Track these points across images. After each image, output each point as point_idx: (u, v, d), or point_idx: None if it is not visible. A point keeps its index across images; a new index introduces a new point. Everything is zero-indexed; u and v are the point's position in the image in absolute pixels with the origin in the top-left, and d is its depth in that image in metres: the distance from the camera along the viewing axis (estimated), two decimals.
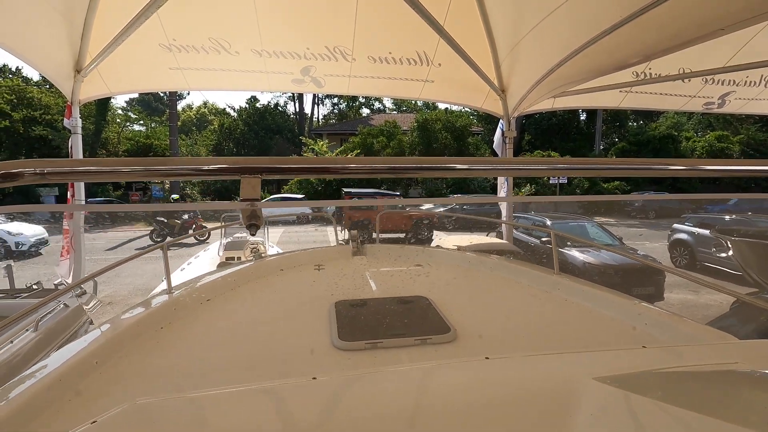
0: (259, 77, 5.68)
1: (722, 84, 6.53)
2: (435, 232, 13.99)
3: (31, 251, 11.64)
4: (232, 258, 4.89)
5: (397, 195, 21.98)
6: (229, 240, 5.47)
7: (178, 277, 5.28)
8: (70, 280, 4.69)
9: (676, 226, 10.43)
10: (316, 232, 17.79)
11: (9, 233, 11.27)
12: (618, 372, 0.70)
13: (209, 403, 0.64)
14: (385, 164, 0.70)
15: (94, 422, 0.56)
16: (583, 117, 33.26)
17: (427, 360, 1.03)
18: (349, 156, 24.23)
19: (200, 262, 5.47)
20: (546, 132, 30.35)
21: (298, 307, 1.47)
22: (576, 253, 7.11)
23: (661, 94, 6.71)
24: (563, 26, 4.24)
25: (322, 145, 25.57)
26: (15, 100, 27.67)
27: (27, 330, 1.92)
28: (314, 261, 2.08)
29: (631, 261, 6.43)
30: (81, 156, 5.42)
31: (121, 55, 4.83)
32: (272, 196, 22.57)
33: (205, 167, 0.63)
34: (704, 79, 6.36)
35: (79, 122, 5.38)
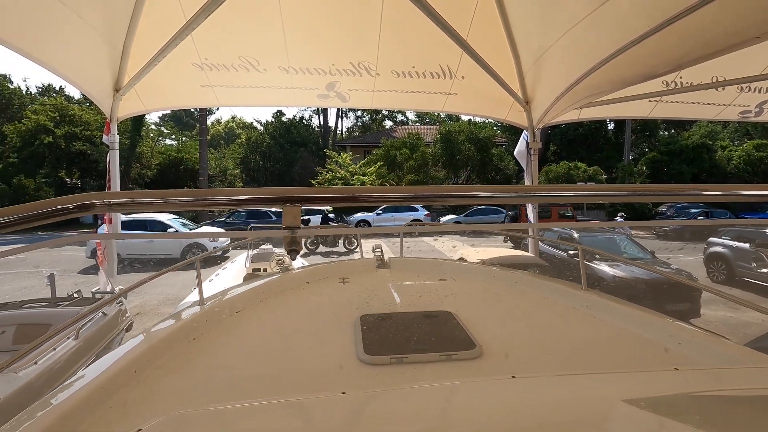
0: (285, 93, 5.84)
1: (759, 92, 6.28)
2: (459, 244, 13.84)
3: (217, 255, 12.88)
4: (259, 270, 4.99)
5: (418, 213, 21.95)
6: (255, 252, 5.58)
7: (207, 288, 5.43)
8: (106, 289, 4.90)
9: (712, 239, 9.98)
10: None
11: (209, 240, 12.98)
12: (649, 395, 0.69)
13: (242, 416, 0.66)
14: (410, 192, 0.73)
15: (139, 430, 0.59)
16: (611, 126, 32.49)
17: (452, 376, 1.03)
18: (372, 168, 24.44)
19: (228, 274, 5.60)
20: (572, 142, 29.77)
21: (324, 320, 1.49)
22: (605, 267, 6.90)
23: (693, 103, 6.51)
24: (589, 37, 4.20)
25: (346, 157, 25.87)
26: (58, 117, 29.35)
27: (69, 338, 2.02)
28: (339, 274, 2.11)
29: (664, 276, 6.18)
30: (117, 169, 5.67)
31: (156, 74, 5.08)
32: None
33: (251, 197, 0.68)
34: (740, 87, 6.14)
35: (117, 138, 5.66)
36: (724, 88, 6.16)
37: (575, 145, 30.26)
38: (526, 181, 6.93)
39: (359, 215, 21.57)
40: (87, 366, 1.12)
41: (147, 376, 1.06)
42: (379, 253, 2.40)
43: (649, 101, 6.45)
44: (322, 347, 1.25)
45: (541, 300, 1.63)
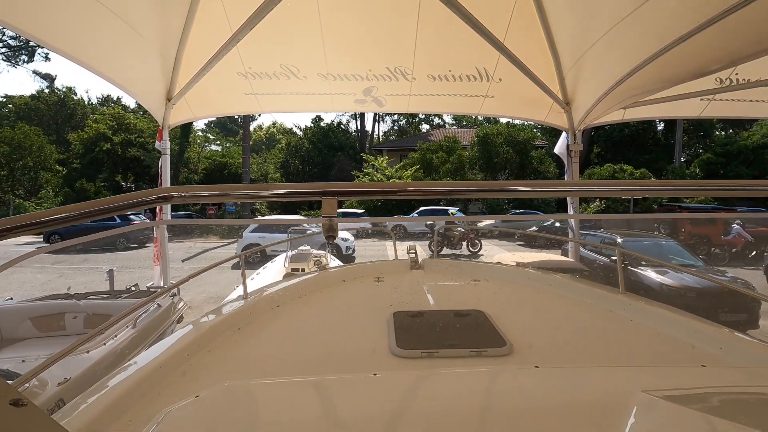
0: (324, 99, 6.02)
1: None
2: (495, 248, 13.59)
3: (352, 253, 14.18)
4: (297, 269, 5.17)
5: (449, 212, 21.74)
6: (294, 252, 5.78)
7: (249, 285, 5.70)
8: (161, 284, 5.25)
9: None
10: (375, 245, 18.09)
11: (342, 239, 14.19)
12: (671, 387, 0.70)
13: (283, 389, 0.74)
14: (446, 187, 0.80)
15: (197, 396, 0.68)
16: (660, 127, 30.81)
17: (475, 369, 1.07)
18: (408, 171, 24.47)
19: (268, 273, 5.84)
20: (618, 144, 28.48)
21: (358, 316, 1.56)
22: (651, 274, 6.57)
23: (750, 101, 6.10)
24: (632, 35, 4.06)
25: (382, 161, 26.07)
26: (115, 126, 31.55)
27: (127, 327, 2.24)
28: (374, 274, 2.18)
29: (717, 283, 5.80)
30: (168, 173, 6.04)
31: (204, 83, 5.39)
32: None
33: (294, 191, 0.78)
34: None
35: (168, 144, 6.04)
36: None
37: (621, 146, 28.92)
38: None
39: (395, 218, 21.63)
40: (145, 350, 1.25)
41: (198, 358, 1.17)
42: (413, 254, 2.45)
43: (701, 100, 6.11)
44: (355, 340, 1.32)
45: (576, 302, 1.62)
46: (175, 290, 3.33)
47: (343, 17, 4.90)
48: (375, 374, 0.77)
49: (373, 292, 1.87)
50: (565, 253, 8.09)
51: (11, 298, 2.84)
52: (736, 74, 5.60)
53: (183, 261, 14.02)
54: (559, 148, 6.52)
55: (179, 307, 3.00)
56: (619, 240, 7.65)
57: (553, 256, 6.62)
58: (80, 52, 4.12)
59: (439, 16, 4.89)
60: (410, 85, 5.78)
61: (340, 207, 25.80)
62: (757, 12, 2.84)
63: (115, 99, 50.98)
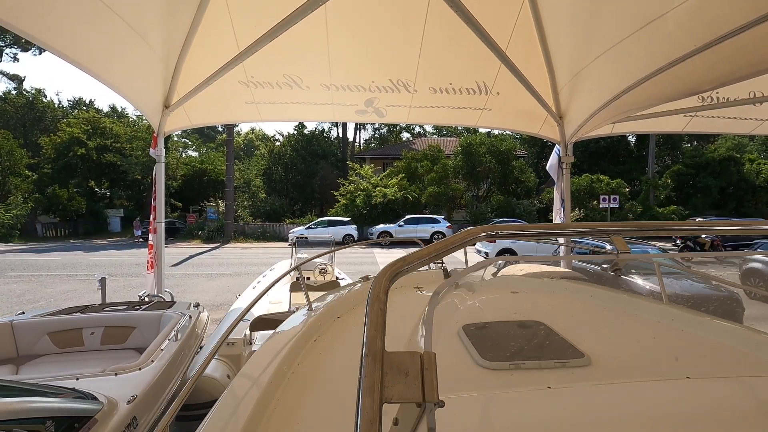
0: (325, 109, 6.06)
1: None
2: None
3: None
4: (303, 278, 5.13)
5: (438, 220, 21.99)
6: (298, 262, 5.76)
7: (249, 294, 5.62)
8: (154, 293, 5.11)
9: (749, 256, 9.76)
10: (360, 253, 18.09)
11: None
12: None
13: None
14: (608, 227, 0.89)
15: None
16: (632, 138, 32.08)
17: (569, 381, 1.11)
18: (393, 180, 24.60)
19: (269, 281, 5.77)
20: (594, 155, 29.50)
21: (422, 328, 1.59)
22: (640, 281, 6.83)
23: (729, 118, 6.48)
24: (630, 54, 4.28)
25: (368, 169, 26.17)
26: (90, 130, 30.55)
27: (168, 339, 2.19)
28: (412, 284, 2.23)
29: (705, 291, 6.10)
30: (163, 181, 5.89)
31: (203, 91, 5.34)
32: (318, 219, 23.24)
33: (585, 230, 0.85)
34: None
35: (164, 152, 5.92)
36: (761, 103, 6.13)
37: (597, 157, 29.97)
38: (556, 195, 6.96)
39: (381, 226, 21.73)
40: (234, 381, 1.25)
41: (295, 372, 1.19)
42: (443, 265, 2.52)
43: (684, 116, 6.45)
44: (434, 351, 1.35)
45: (626, 313, 1.70)
46: (197, 301, 3.28)
47: (352, 30, 4.98)
48: (474, 393, 0.80)
49: (421, 303, 1.91)
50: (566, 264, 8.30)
51: (23, 312, 2.72)
52: (717, 93, 5.95)
53: (171, 266, 13.67)
54: (551, 166, 6.76)
55: (205, 318, 2.96)
56: (609, 247, 7.93)
57: (554, 267, 6.78)
58: (79, 54, 4.02)
59: (444, 30, 5.02)
60: (411, 96, 5.89)
61: (322, 215, 25.76)
62: (755, 37, 3.05)
63: (87, 102, 49.43)
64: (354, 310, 1.75)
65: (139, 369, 1.86)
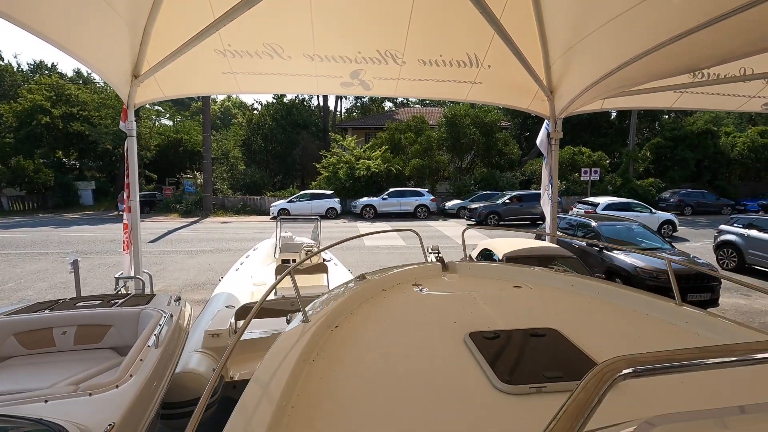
0: (308, 80, 5.73)
1: None
2: (480, 233, 13.82)
3: None
4: (288, 260, 4.99)
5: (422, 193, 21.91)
6: (282, 243, 5.56)
7: (232, 277, 5.43)
8: (130, 274, 4.88)
9: (722, 227, 10.06)
10: (341, 226, 17.96)
11: None
12: None
13: None
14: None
15: None
16: (614, 111, 32.27)
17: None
18: (377, 152, 24.17)
19: (253, 263, 5.60)
20: (576, 127, 29.58)
21: (426, 337, 1.47)
22: (622, 256, 6.94)
23: (718, 94, 6.46)
24: (628, 30, 4.11)
25: (351, 140, 25.62)
26: (54, 97, 28.75)
27: (148, 346, 2.00)
28: (410, 280, 2.11)
29: (685, 266, 6.23)
30: (135, 155, 5.52)
31: (176, 60, 4.95)
32: (300, 192, 22.82)
33: None
34: (767, 80, 6.07)
35: (134, 125, 5.52)
36: (751, 80, 6.09)
37: (579, 130, 30.09)
38: (544, 170, 6.91)
39: (365, 200, 21.52)
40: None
41: (295, 405, 1.05)
42: (440, 255, 2.41)
43: (674, 92, 6.38)
44: (444, 371, 1.23)
45: (640, 315, 1.62)
46: (179, 293, 3.07)
47: None
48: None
49: (423, 305, 1.80)
50: (539, 237, 8.37)
51: None
52: (709, 69, 5.87)
53: (149, 243, 13.24)
54: (541, 141, 6.67)
55: (188, 314, 2.77)
56: (594, 224, 8.01)
57: (539, 242, 6.79)
58: (36, 20, 3.61)
59: (436, 0, 4.74)
60: (399, 69, 5.62)
61: (304, 188, 25.31)
62: (758, 14, 2.92)
63: (50, 66, 46.33)
64: (351, 318, 1.62)
65: (116, 387, 1.67)
